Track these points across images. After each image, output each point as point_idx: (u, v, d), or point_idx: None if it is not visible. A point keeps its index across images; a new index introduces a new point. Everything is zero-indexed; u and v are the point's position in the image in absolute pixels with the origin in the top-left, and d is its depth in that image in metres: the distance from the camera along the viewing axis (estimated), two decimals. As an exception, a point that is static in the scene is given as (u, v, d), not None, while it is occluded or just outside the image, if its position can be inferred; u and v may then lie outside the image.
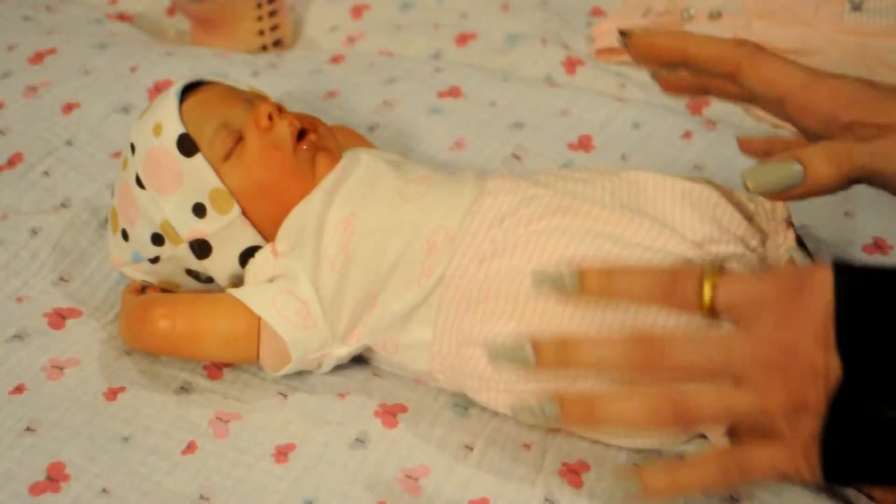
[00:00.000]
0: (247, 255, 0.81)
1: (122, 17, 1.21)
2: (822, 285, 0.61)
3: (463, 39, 1.16)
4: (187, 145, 0.79)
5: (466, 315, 0.74)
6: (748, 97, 0.75)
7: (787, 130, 0.87)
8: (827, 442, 0.61)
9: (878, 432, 0.60)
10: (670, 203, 0.74)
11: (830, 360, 0.60)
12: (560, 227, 0.73)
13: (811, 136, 0.72)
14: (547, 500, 0.72)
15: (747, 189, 0.68)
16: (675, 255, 0.71)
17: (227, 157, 0.79)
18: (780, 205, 0.76)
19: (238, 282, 0.82)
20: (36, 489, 0.73)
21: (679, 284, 0.65)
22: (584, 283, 0.67)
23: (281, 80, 1.08)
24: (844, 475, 0.63)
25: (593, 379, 0.67)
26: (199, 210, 0.79)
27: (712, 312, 0.65)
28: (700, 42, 0.72)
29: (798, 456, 0.63)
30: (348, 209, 0.78)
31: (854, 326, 0.60)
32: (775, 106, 0.74)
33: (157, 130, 0.80)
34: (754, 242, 0.74)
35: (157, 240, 0.81)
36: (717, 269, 0.64)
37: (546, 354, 0.66)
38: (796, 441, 0.63)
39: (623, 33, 0.75)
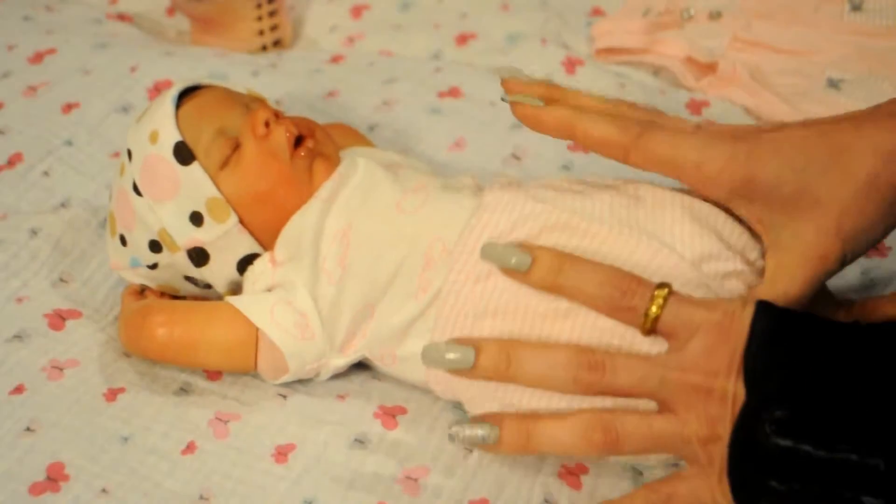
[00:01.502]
0: (245, 263, 0.80)
1: (122, 17, 1.21)
2: (746, 318, 0.64)
3: (463, 39, 1.16)
4: (184, 153, 0.79)
5: (463, 331, 0.73)
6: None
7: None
8: (731, 468, 0.63)
9: (770, 458, 0.61)
10: (670, 217, 0.72)
11: (738, 390, 0.63)
12: (557, 246, 0.72)
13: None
14: (546, 501, 0.72)
15: None
16: (672, 277, 0.70)
17: (224, 165, 0.79)
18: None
19: (236, 288, 0.82)
20: (36, 489, 0.73)
21: (628, 294, 0.67)
22: (534, 267, 0.69)
23: (281, 80, 1.08)
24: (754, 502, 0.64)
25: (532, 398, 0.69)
26: (196, 218, 0.79)
27: (651, 328, 0.67)
28: (588, 123, 0.71)
29: (714, 485, 0.65)
30: (345, 220, 0.77)
31: (756, 358, 0.62)
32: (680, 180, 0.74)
33: (154, 138, 0.80)
34: (754, 255, 0.72)
35: (155, 247, 0.81)
36: (668, 288, 0.67)
37: (487, 363, 0.69)
38: (712, 469, 0.65)
39: (506, 97, 0.73)
